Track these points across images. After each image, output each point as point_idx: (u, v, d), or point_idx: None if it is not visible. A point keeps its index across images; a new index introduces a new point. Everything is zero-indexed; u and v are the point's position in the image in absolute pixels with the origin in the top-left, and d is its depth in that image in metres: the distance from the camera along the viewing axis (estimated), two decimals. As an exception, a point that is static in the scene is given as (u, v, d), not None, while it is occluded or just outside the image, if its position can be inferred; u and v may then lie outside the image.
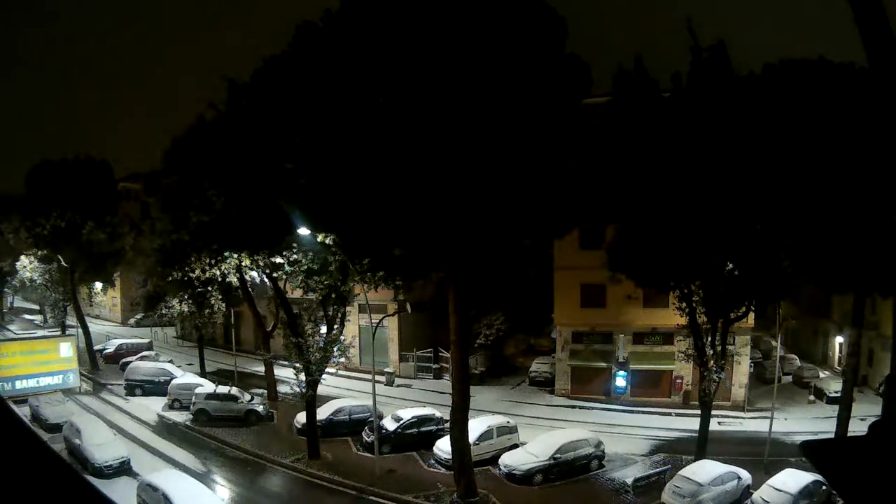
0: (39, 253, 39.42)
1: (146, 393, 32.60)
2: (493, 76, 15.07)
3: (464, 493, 19.57)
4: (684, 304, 21.73)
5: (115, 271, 46.30)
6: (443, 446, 22.67)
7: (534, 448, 22.10)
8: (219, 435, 26.34)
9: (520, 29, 15.51)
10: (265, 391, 32.46)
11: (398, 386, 36.00)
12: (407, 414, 25.39)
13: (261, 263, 25.45)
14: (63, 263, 38.49)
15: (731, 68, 19.21)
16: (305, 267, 21.79)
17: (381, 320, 29.02)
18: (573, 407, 31.64)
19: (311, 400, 23.37)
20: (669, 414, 30.09)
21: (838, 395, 31.65)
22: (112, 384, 35.66)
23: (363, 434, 25.00)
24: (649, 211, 19.48)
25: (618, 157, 18.89)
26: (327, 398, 28.37)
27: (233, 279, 29.45)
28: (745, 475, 19.97)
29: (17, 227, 38.01)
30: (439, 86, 14.94)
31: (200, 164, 21.35)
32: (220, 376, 35.09)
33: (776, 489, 18.39)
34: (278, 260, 23.83)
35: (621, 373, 32.05)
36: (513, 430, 24.40)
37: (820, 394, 32.58)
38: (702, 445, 22.06)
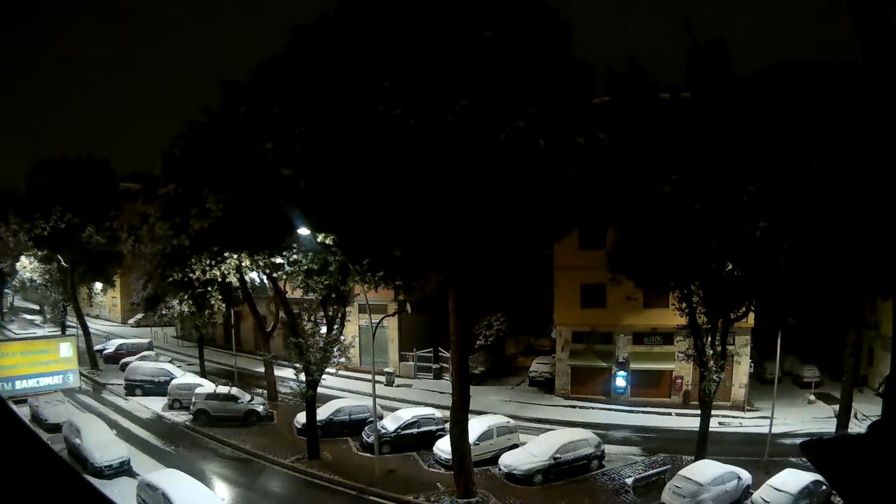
0: (39, 253, 39.42)
1: (146, 393, 32.61)
2: (494, 80, 15.03)
3: (463, 493, 19.57)
4: (684, 305, 21.73)
5: (115, 272, 46.34)
6: (443, 446, 22.67)
7: (534, 448, 22.10)
8: (219, 435, 26.33)
9: (522, 32, 15.46)
10: (265, 391, 32.48)
11: (398, 386, 35.99)
12: (407, 414, 25.38)
13: (261, 264, 25.45)
14: (63, 264, 38.50)
15: (730, 68, 19.21)
16: (305, 267, 21.79)
17: (381, 320, 29.05)
18: (573, 407, 31.66)
19: (311, 400, 23.36)
20: (669, 414, 30.09)
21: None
22: (112, 384, 35.68)
23: (363, 434, 24.99)
24: (649, 212, 19.48)
25: (617, 158, 18.88)
26: (327, 398, 28.40)
27: (233, 279, 29.45)
28: (745, 475, 19.96)
29: (17, 228, 38.03)
30: (439, 89, 14.91)
31: (198, 169, 21.30)
32: (220, 376, 35.10)
33: (776, 489, 18.38)
34: (278, 260, 23.83)
35: (621, 373, 32.05)
36: (513, 430, 24.40)
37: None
38: (702, 445, 22.05)
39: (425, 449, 24.10)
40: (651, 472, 21.64)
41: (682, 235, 18.94)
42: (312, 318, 23.38)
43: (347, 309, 24.17)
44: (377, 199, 16.13)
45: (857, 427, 24.11)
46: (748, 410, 30.11)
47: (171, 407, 30.15)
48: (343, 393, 31.56)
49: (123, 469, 21.75)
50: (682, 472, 19.68)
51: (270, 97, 17.46)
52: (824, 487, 18.28)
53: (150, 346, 43.62)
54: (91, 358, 39.85)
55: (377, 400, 23.33)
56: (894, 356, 23.59)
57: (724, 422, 28.03)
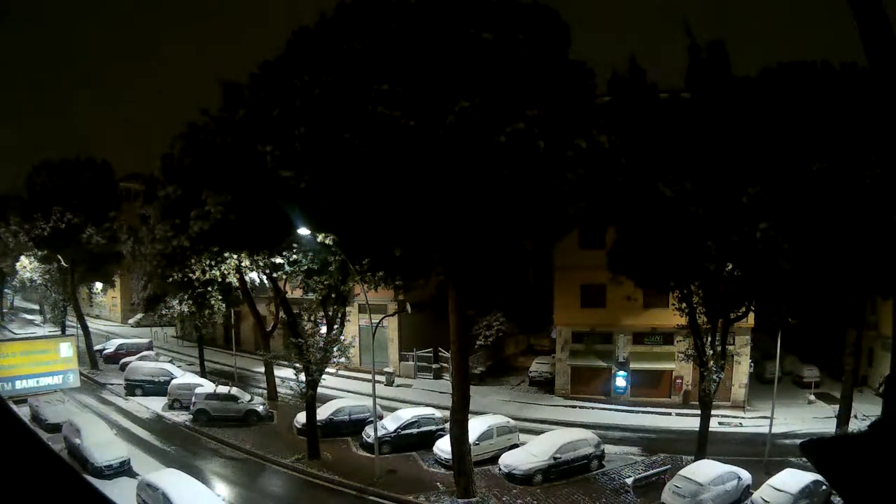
0: (39, 253, 39.42)
1: (146, 393, 32.61)
2: (494, 82, 15.01)
3: (463, 493, 19.57)
4: (684, 305, 21.73)
5: (115, 272, 46.34)
6: (443, 446, 22.67)
7: (534, 448, 22.10)
8: (219, 435, 26.34)
9: (522, 34, 15.45)
10: (265, 391, 32.47)
11: (398, 386, 35.99)
12: (407, 414, 25.38)
13: (261, 264, 25.44)
14: (63, 264, 38.51)
15: (729, 69, 19.20)
16: (305, 267, 21.76)
17: (381, 320, 29.01)
18: (573, 407, 31.66)
19: (311, 400, 23.36)
20: (669, 414, 30.09)
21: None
22: (112, 384, 35.68)
23: (363, 434, 24.99)
24: (649, 214, 19.47)
25: (617, 160, 18.88)
26: (327, 398, 28.39)
27: (233, 279, 29.44)
28: (745, 475, 19.97)
29: (16, 228, 38.02)
30: (438, 90, 14.90)
31: (197, 170, 21.29)
32: (220, 376, 35.09)
33: (776, 489, 18.38)
34: (278, 260, 23.81)
35: (621, 373, 32.06)
36: (513, 429, 24.40)
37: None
38: (702, 445, 22.05)
39: (425, 449, 24.10)
40: (651, 472, 21.65)
41: (682, 236, 18.94)
42: (312, 318, 23.36)
43: (347, 309, 24.14)
44: (377, 199, 16.13)
45: (857, 427, 24.10)
46: (748, 410, 30.10)
47: (171, 407, 30.15)
48: (343, 393, 31.55)
49: (123, 469, 21.74)
50: (682, 472, 19.68)
51: (270, 99, 17.45)
52: (824, 487, 18.27)
53: (150, 346, 43.60)
54: (91, 358, 39.85)
55: (377, 400, 23.32)
56: (894, 356, 23.56)
57: (724, 422, 28.03)
